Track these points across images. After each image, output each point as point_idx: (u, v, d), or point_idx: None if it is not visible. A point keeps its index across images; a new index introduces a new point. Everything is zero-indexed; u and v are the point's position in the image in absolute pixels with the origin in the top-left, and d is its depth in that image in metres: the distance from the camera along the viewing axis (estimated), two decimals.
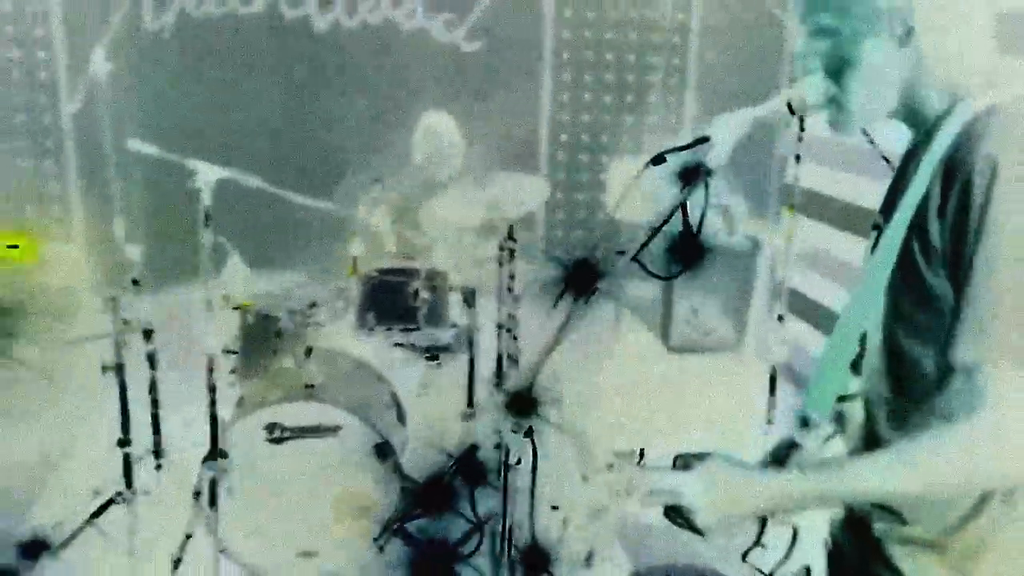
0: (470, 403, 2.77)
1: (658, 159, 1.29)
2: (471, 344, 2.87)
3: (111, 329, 2.94)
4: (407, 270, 3.15)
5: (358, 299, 3.10)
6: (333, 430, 2.78)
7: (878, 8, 1.19)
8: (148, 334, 3.28)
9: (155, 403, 3.35)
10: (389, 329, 3.09)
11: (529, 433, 1.16)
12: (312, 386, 2.91)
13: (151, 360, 3.31)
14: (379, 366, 3.29)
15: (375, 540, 2.81)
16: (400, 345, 3.17)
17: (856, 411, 1.30)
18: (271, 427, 2.78)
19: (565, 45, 5.66)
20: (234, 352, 3.41)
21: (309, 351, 2.95)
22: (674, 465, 1.23)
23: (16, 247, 4.76)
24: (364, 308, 3.09)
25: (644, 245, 1.21)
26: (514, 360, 2.82)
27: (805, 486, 1.15)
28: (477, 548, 2.75)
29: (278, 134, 5.29)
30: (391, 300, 3.06)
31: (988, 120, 1.14)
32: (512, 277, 2.36)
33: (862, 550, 1.28)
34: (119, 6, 5.10)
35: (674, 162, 1.30)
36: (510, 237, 2.55)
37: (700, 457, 1.21)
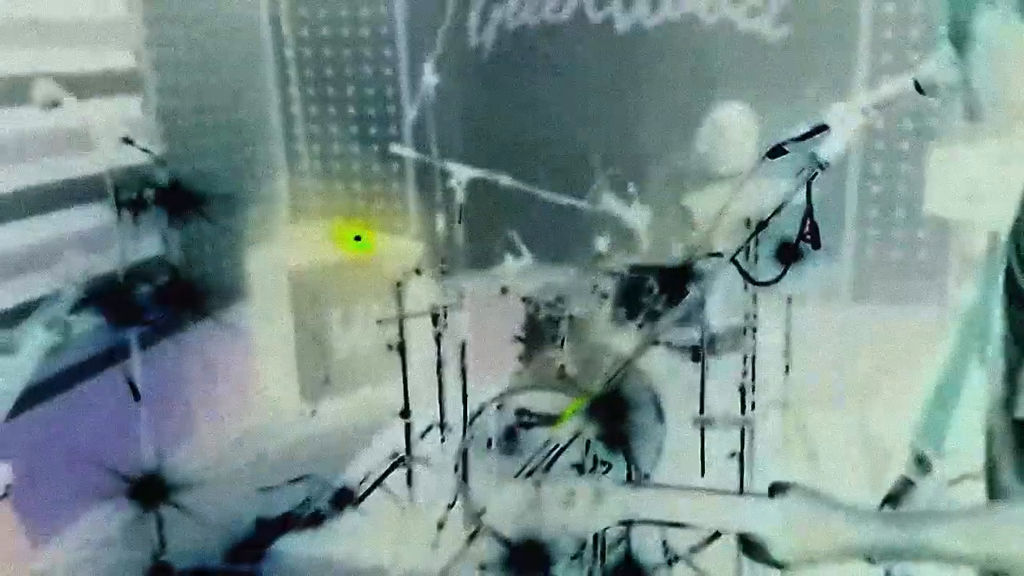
0: (701, 408, 2.70)
1: (777, 150, 1.21)
2: (711, 344, 2.80)
3: (396, 312, 3.35)
4: (655, 267, 3.15)
5: (612, 294, 3.17)
6: None
7: None
8: (435, 319, 3.68)
9: (440, 382, 3.74)
10: (640, 326, 3.12)
11: (618, 440, 1.14)
12: (564, 376, 3.04)
13: (438, 342, 3.70)
14: (642, 363, 3.32)
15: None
16: (656, 343, 3.17)
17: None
18: (521, 412, 2.96)
19: (888, 21, 5.13)
20: (522, 340, 3.69)
21: (562, 342, 3.08)
22: (771, 494, 1.06)
23: (359, 239, 5.49)
24: (615, 303, 3.15)
25: (743, 246, 1.14)
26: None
27: (877, 537, 0.98)
28: (577, 555, 2.65)
29: (580, 135, 5.49)
30: (638, 297, 3.09)
31: None
32: (748, 276, 2.26)
33: None
34: (447, 25, 5.69)
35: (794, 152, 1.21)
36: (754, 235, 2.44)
37: (784, 489, 1.05)
